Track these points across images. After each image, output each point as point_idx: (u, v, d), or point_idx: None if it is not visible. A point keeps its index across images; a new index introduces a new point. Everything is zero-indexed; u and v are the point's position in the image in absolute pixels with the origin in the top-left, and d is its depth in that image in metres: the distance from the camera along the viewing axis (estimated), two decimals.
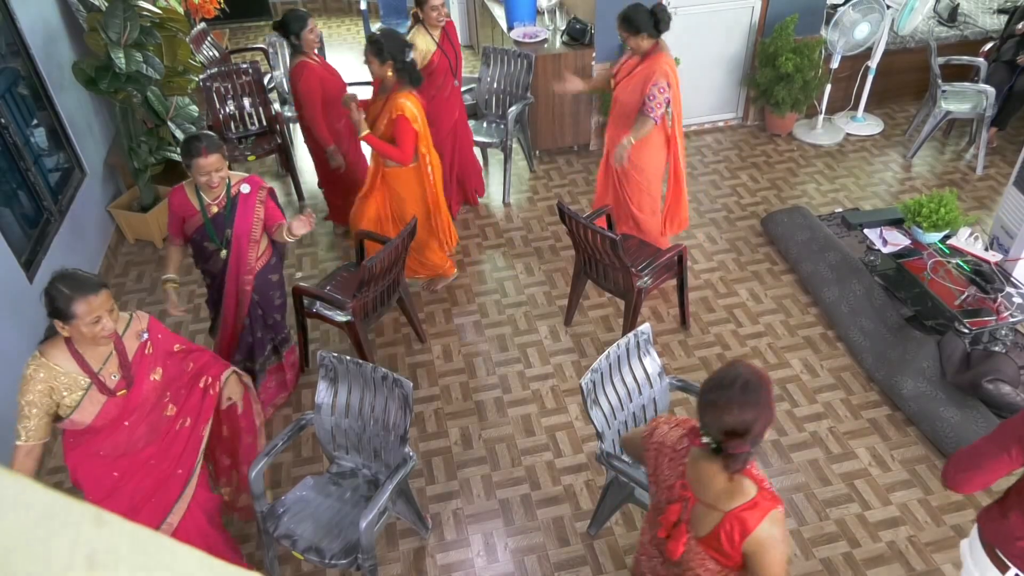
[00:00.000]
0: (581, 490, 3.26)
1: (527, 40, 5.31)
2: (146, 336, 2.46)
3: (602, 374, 2.74)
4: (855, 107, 5.80)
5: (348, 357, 2.80)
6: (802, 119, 5.81)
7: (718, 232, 4.79)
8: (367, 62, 3.67)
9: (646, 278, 3.72)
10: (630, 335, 2.84)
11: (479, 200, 5.12)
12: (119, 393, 2.36)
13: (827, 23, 5.39)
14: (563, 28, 5.33)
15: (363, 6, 6.62)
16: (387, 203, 4.05)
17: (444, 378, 3.84)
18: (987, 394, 3.34)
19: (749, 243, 4.69)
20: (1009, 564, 2.13)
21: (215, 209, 3.10)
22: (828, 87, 5.52)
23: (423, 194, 3.96)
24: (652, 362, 2.90)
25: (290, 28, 4.12)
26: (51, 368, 2.26)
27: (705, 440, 1.67)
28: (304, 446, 3.51)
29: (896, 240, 4.03)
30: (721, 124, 5.92)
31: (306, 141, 4.52)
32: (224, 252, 3.16)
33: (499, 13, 5.82)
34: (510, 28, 5.50)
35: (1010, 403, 3.30)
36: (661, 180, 4.13)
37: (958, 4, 5.85)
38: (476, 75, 5.28)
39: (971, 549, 2.27)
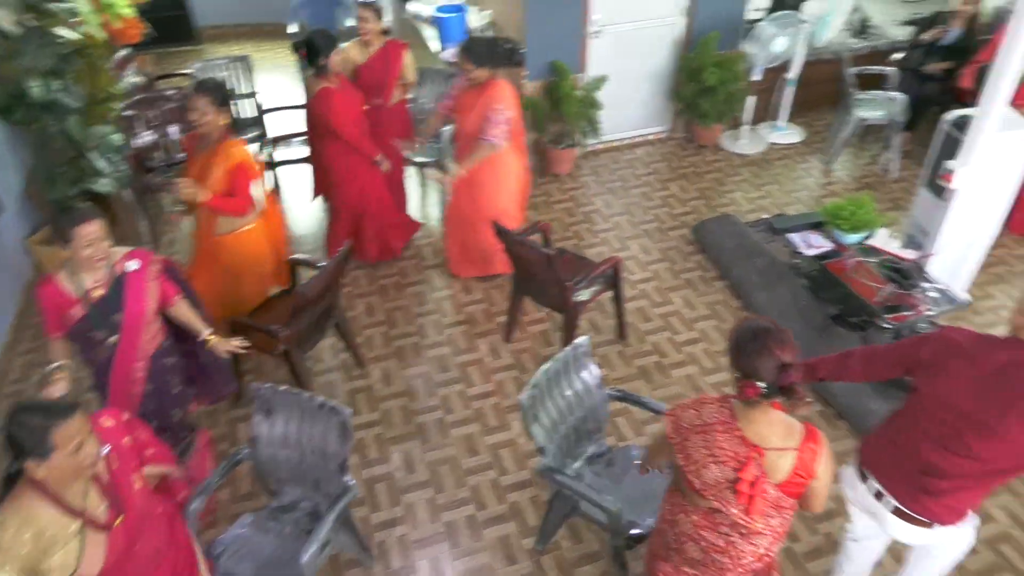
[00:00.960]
0: (527, 506, 3.26)
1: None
2: (108, 447, 2.05)
3: (541, 389, 2.76)
4: (777, 117, 6.03)
5: (283, 386, 2.75)
6: (727, 130, 5.99)
7: (651, 243, 4.88)
8: (202, 113, 3.21)
9: (582, 292, 3.76)
10: (567, 348, 2.87)
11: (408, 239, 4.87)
12: (116, 523, 1.99)
13: (747, 37, 5.60)
14: None
15: (295, 29, 6.54)
16: (216, 280, 3.60)
17: (384, 402, 3.79)
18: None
19: (681, 252, 4.80)
20: (868, 475, 2.36)
21: (99, 292, 2.68)
22: (751, 99, 5.72)
23: (270, 249, 3.70)
24: (590, 374, 2.94)
25: (320, 51, 3.80)
26: (37, 523, 1.81)
27: (761, 386, 1.83)
28: (241, 482, 3.40)
29: (819, 243, 4.18)
30: (651, 137, 6.06)
31: (315, 171, 4.36)
32: (113, 338, 2.75)
33: (428, 34, 5.85)
34: (443, 49, 5.53)
35: None
36: (513, 195, 4.25)
37: (868, 17, 6.15)
38: (411, 95, 5.27)
39: (844, 474, 2.48)
